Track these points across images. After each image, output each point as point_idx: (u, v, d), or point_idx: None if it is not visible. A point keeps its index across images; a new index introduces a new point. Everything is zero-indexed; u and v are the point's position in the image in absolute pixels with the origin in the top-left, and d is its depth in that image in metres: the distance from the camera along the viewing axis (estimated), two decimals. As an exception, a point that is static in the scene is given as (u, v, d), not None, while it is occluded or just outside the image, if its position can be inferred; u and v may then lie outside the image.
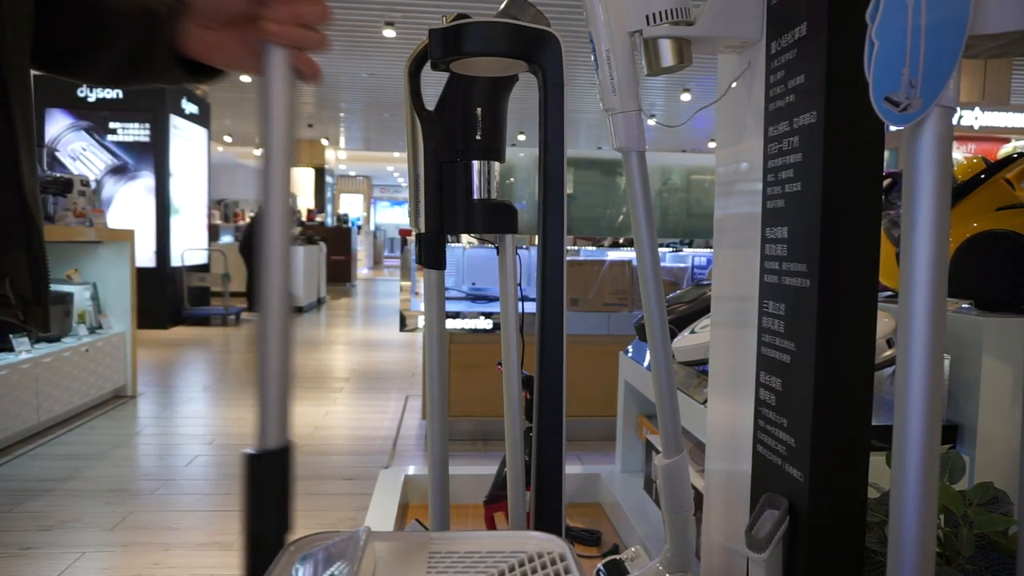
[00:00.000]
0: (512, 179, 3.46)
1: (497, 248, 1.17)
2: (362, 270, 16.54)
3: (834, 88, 0.77)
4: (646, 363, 2.10)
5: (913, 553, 0.64)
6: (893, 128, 0.67)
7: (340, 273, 12.51)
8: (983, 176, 1.40)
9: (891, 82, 0.62)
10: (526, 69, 0.92)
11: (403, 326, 4.05)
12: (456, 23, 0.79)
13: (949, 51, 0.59)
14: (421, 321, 3.62)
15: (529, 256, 3.57)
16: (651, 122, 7.95)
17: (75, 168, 6.48)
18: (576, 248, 4.35)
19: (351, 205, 20.47)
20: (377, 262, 20.43)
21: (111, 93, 6.55)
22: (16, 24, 0.64)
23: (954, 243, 1.35)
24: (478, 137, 1.05)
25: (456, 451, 2.90)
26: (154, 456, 3.14)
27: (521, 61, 0.89)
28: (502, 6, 0.99)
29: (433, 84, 0.99)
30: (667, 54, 0.89)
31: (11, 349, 3.17)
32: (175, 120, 6.96)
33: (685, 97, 8.77)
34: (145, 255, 6.62)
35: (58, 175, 3.88)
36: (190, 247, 7.46)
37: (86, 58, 0.74)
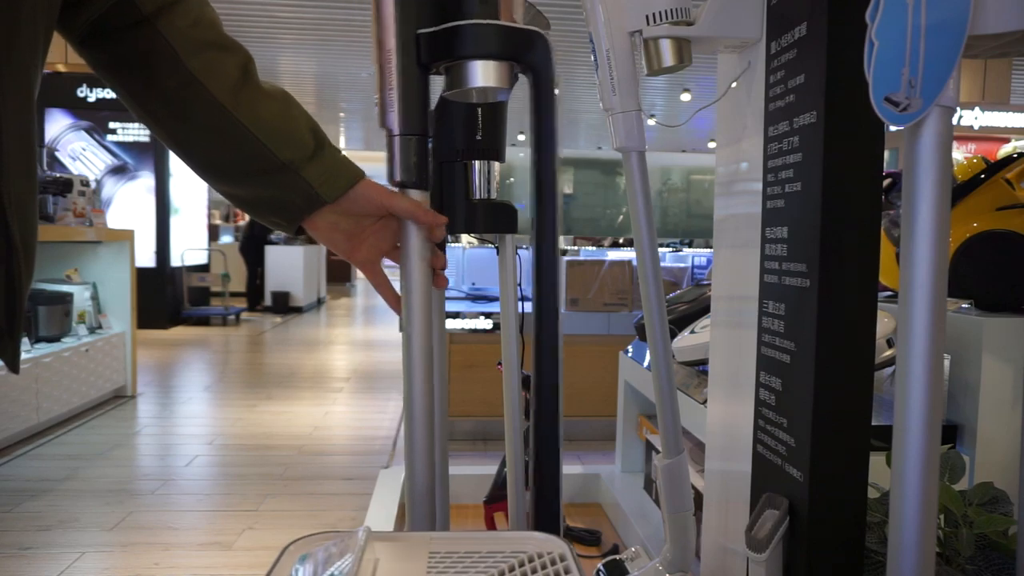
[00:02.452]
0: (512, 179, 3.46)
1: (497, 248, 1.17)
2: (362, 270, 16.49)
3: (834, 88, 0.77)
4: (646, 363, 2.10)
5: (913, 553, 0.64)
6: (893, 128, 0.67)
7: (340, 273, 12.52)
8: (983, 176, 1.40)
9: (891, 82, 0.62)
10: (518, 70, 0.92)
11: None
12: (444, 25, 0.79)
13: (949, 51, 0.59)
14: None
15: (529, 256, 3.56)
16: (651, 122, 7.95)
17: (75, 168, 6.48)
18: (576, 248, 4.35)
19: (351, 205, 20.36)
20: (377, 262, 20.37)
21: (111, 93, 6.54)
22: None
23: (954, 243, 1.35)
24: (478, 137, 1.05)
25: (456, 451, 2.90)
26: (154, 456, 3.14)
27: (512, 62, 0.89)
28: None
29: (433, 84, 0.98)
30: (667, 54, 0.89)
31: (11, 349, 3.16)
32: (175, 120, 6.95)
33: (685, 97, 8.76)
34: (145, 255, 6.62)
35: (58, 175, 3.88)
36: (190, 247, 7.46)
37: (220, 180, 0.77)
